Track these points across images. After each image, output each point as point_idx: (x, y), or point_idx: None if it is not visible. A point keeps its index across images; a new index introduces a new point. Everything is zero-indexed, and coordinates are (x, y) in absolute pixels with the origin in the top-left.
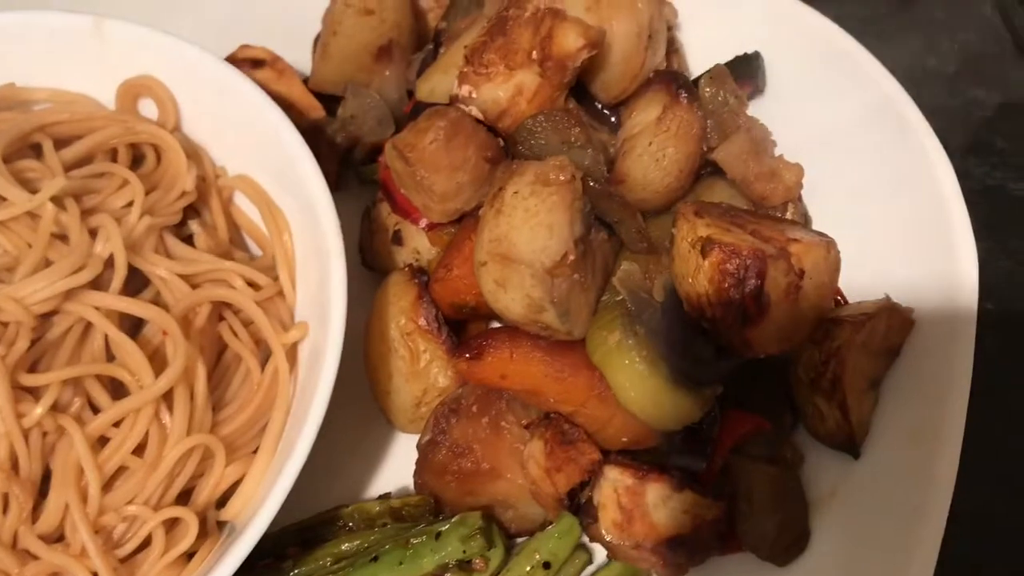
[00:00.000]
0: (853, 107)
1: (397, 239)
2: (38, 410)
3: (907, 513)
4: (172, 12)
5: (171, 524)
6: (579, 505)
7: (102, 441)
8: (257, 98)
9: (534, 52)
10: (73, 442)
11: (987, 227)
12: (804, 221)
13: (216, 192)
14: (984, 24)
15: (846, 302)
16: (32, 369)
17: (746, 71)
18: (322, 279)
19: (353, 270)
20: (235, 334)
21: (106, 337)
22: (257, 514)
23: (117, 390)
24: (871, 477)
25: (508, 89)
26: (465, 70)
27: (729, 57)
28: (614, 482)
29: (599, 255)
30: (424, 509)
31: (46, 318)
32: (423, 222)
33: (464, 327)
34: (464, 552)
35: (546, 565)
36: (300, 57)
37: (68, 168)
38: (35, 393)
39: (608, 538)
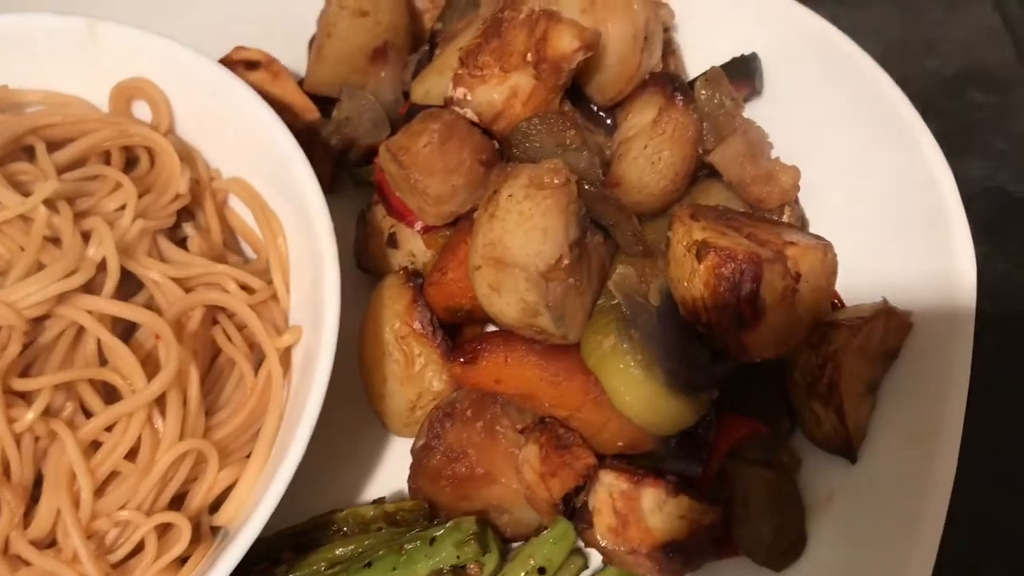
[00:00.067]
0: (851, 109)
1: (392, 242)
2: (30, 415)
3: (905, 517)
4: (167, 14)
5: (164, 529)
6: (574, 510)
7: (94, 446)
8: (251, 100)
9: (529, 54)
10: (65, 447)
11: (985, 229)
12: (801, 224)
13: (210, 195)
14: (984, 25)
15: (843, 305)
16: (24, 374)
17: (743, 73)
18: (316, 282)
19: (348, 273)
20: (229, 338)
21: (99, 341)
22: (250, 519)
23: (110, 394)
24: (868, 481)
25: (503, 91)
26: (460, 72)
27: (727, 59)
28: (609, 487)
29: (595, 258)
30: (418, 514)
31: (38, 322)
32: (418, 225)
33: (459, 330)
34: (458, 557)
35: (541, 570)
36: (295, 59)
37: (61, 171)
38: (27, 398)
39: (603, 543)
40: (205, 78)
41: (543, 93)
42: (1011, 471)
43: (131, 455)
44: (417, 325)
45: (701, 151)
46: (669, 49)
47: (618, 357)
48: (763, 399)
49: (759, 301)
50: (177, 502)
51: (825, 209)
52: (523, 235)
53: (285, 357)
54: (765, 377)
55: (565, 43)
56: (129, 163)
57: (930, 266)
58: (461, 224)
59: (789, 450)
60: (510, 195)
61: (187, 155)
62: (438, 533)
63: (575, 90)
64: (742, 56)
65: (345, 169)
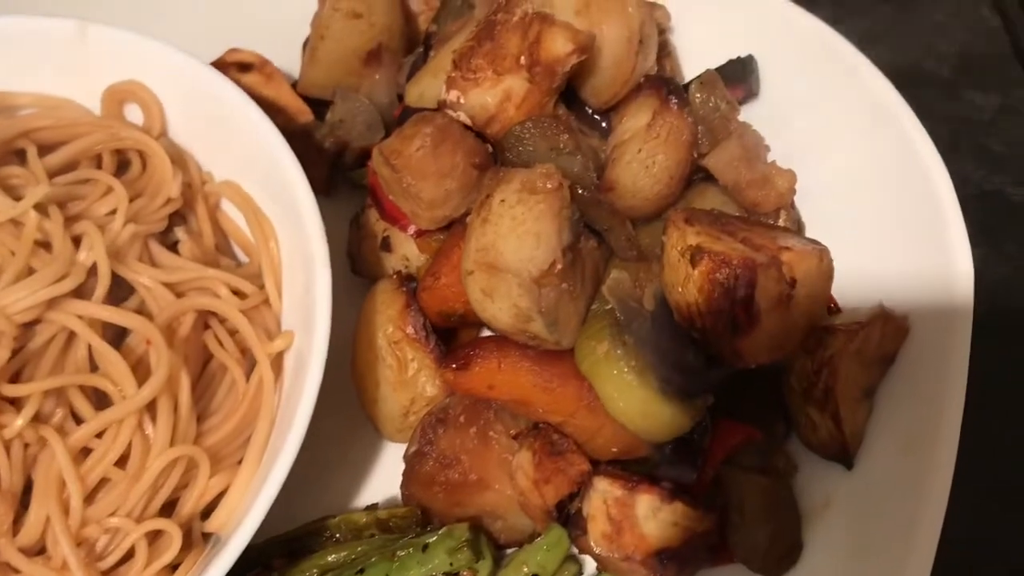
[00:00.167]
0: (848, 111)
1: (386, 245)
2: (19, 421)
3: (902, 524)
4: (160, 15)
5: (154, 536)
6: (568, 516)
7: (84, 452)
8: (243, 104)
9: (522, 57)
10: (55, 454)
11: (983, 232)
12: (797, 228)
13: (202, 198)
14: (983, 26)
15: (839, 310)
16: (14, 379)
17: (739, 75)
18: (308, 287)
19: (343, 277)
20: (220, 343)
21: (89, 347)
22: (241, 525)
23: (100, 400)
24: (865, 487)
25: (496, 94)
26: (453, 75)
27: (723, 60)
28: (603, 493)
29: (588, 263)
30: (411, 520)
31: (28, 327)
32: (411, 229)
33: (454, 335)
34: (451, 565)
35: None
36: (289, 61)
37: (52, 174)
38: (16, 404)
39: (597, 550)
40: (197, 81)
41: (537, 96)
42: (1010, 475)
43: (121, 461)
44: (410, 330)
45: (696, 155)
46: (665, 51)
47: (612, 363)
48: (759, 404)
49: (754, 307)
50: (168, 508)
51: (822, 212)
52: (516, 240)
53: (277, 362)
54: (761, 382)
55: (558, 46)
56: (121, 166)
57: (927, 270)
58: (455, 228)
59: (785, 456)
60: (503, 200)
61: (179, 158)
62: (431, 540)
63: (570, 93)
64: (738, 58)
65: (340, 172)
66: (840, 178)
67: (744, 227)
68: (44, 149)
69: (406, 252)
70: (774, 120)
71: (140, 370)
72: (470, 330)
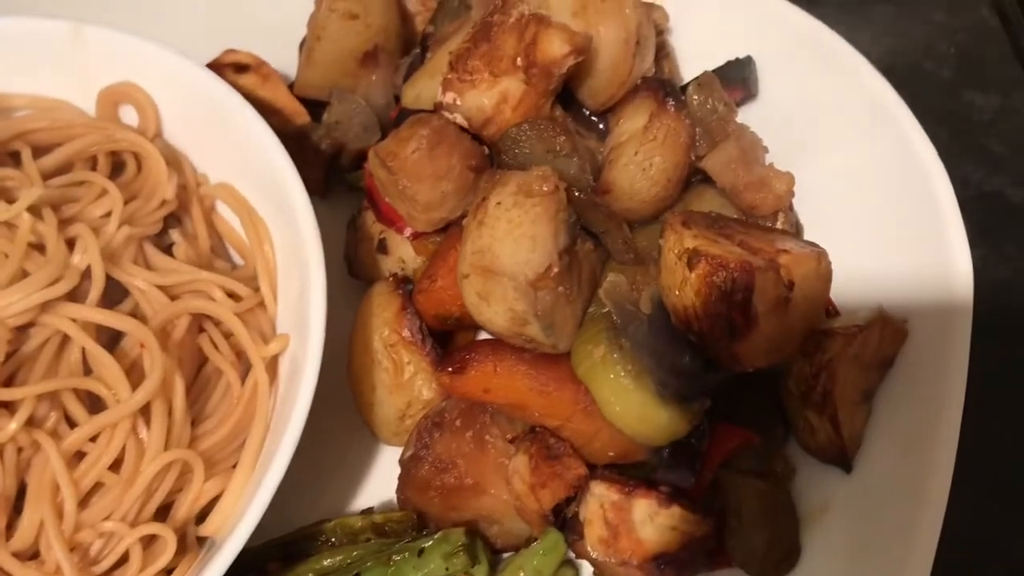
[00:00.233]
0: (847, 112)
1: (382, 248)
2: (13, 425)
3: (901, 528)
4: (156, 16)
5: (149, 541)
6: (565, 520)
7: (78, 456)
8: (238, 105)
9: (519, 59)
10: (49, 458)
11: (983, 233)
12: (795, 230)
13: (197, 200)
14: (982, 27)
15: (838, 313)
16: (7, 383)
17: (738, 76)
18: (303, 290)
19: (339, 279)
20: (215, 346)
21: (83, 350)
22: (236, 530)
23: (94, 404)
24: (864, 491)
25: (493, 96)
26: (449, 77)
27: (722, 61)
28: (600, 498)
29: (585, 266)
30: (407, 524)
31: (22, 331)
32: (408, 231)
33: (451, 337)
34: (447, 569)
35: None
36: (286, 61)
37: (47, 176)
38: (10, 407)
39: (594, 555)
40: (192, 82)
41: (533, 98)
42: (1009, 475)
43: (115, 466)
44: (406, 333)
45: (694, 157)
46: (663, 52)
47: (608, 367)
48: (756, 408)
49: (751, 310)
50: (163, 513)
51: (820, 215)
52: (512, 243)
53: (272, 365)
54: (759, 386)
55: (555, 48)
56: (116, 168)
57: (926, 272)
58: (451, 230)
59: (783, 459)
60: (499, 202)
61: (174, 160)
62: (427, 544)
63: (567, 94)
64: (737, 59)
65: (336, 174)
66: (839, 180)
67: (742, 230)
68: (39, 151)
69: (402, 254)
70: (773, 121)
71: (134, 373)
72: (467, 333)
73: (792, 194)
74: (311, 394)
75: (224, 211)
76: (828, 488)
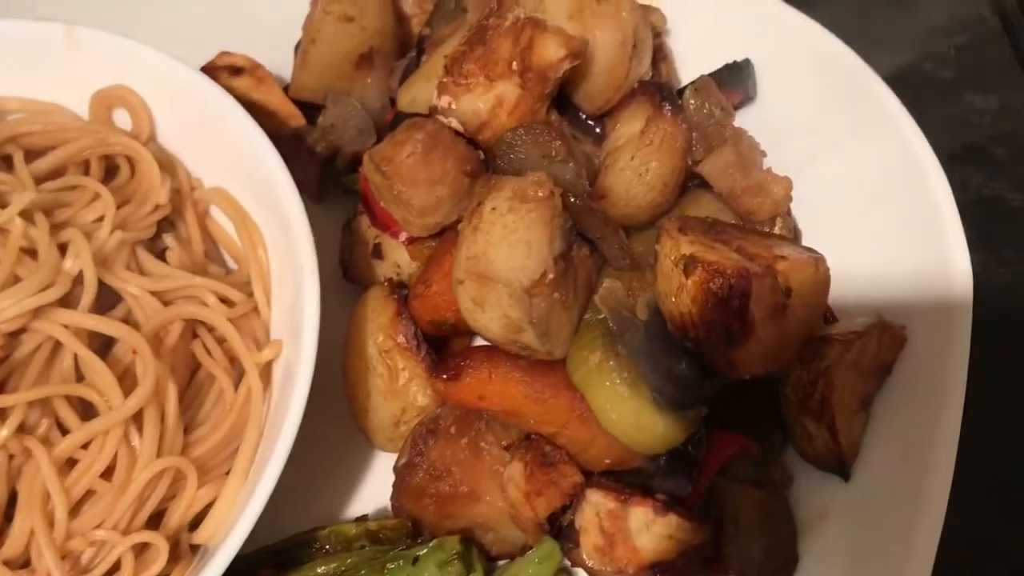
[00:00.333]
0: (846, 115)
1: (377, 252)
2: (4, 432)
3: (899, 536)
4: (151, 18)
5: (141, 549)
6: (561, 528)
7: (70, 463)
8: (232, 109)
9: (514, 63)
10: (40, 465)
11: (982, 238)
12: (793, 235)
13: (191, 205)
14: (983, 28)
15: (836, 319)
16: None
17: (736, 80)
18: (297, 295)
19: (335, 283)
20: (208, 352)
21: (75, 356)
22: (229, 537)
23: (86, 410)
24: (862, 498)
25: (488, 100)
26: (444, 80)
27: (720, 64)
28: (596, 506)
29: (581, 271)
30: (402, 532)
31: (14, 336)
32: (403, 235)
33: (446, 342)
34: None
35: None
36: (282, 64)
37: (39, 180)
38: (1, 414)
39: (590, 563)
40: (186, 86)
41: (529, 102)
42: (1009, 482)
43: (107, 473)
44: (401, 339)
45: (690, 161)
46: (661, 55)
47: (604, 374)
48: (754, 415)
49: (748, 317)
50: (155, 520)
51: (818, 220)
52: (507, 249)
53: (266, 371)
54: (756, 393)
55: (551, 52)
56: (109, 172)
57: (925, 277)
58: (446, 235)
59: (781, 466)
60: (493, 208)
61: (168, 164)
62: (421, 552)
63: (563, 98)
64: (735, 63)
65: (332, 177)
66: (837, 184)
67: (739, 235)
68: (31, 154)
69: (397, 259)
70: (771, 125)
71: (127, 380)
72: (462, 338)
73: (790, 199)
74: (304, 400)
75: (218, 215)
76: (826, 496)
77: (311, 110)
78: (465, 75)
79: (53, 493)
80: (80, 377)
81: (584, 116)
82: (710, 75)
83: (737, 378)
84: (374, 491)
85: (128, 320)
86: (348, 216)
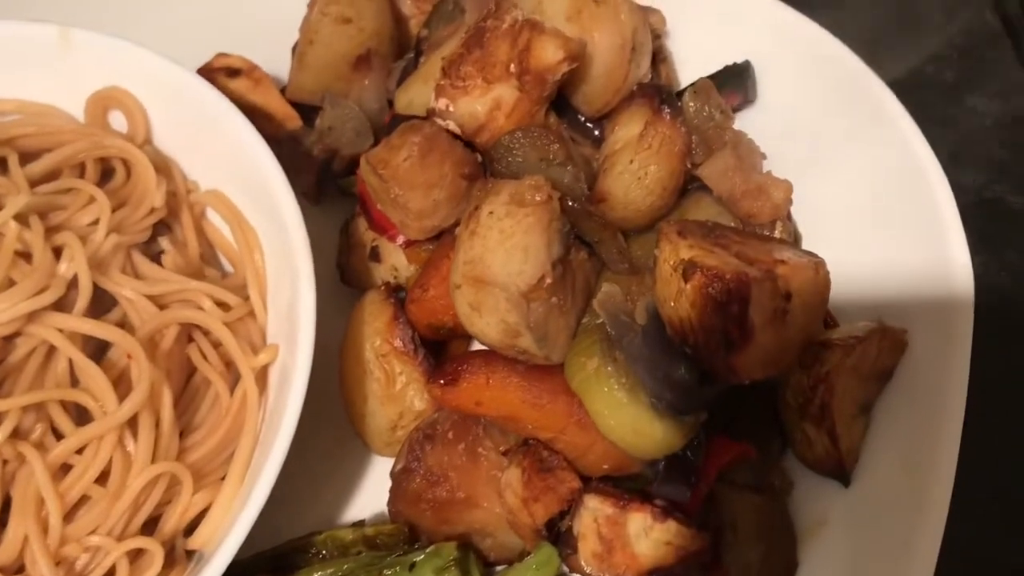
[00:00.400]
0: (847, 118)
1: (375, 255)
2: None
3: (900, 542)
4: (148, 19)
5: (136, 555)
6: (559, 534)
7: (64, 469)
8: (228, 111)
9: (512, 65)
10: (34, 471)
11: (984, 240)
12: (793, 239)
13: (187, 208)
14: (984, 30)
15: (836, 323)
16: None
17: (735, 82)
18: (293, 299)
19: (332, 287)
20: (204, 356)
21: (70, 361)
22: (225, 542)
23: (81, 415)
24: (863, 504)
25: (486, 103)
26: (442, 83)
27: (720, 65)
28: (594, 511)
29: (579, 275)
30: (399, 538)
31: (8, 340)
32: (400, 239)
33: (444, 346)
34: None
35: None
36: (279, 65)
37: (34, 183)
38: None
39: (588, 569)
40: (182, 88)
41: (527, 105)
42: (1010, 486)
43: (102, 479)
44: (398, 343)
45: (690, 165)
46: (660, 56)
47: (602, 380)
48: (753, 420)
49: (748, 322)
50: (150, 525)
51: (818, 223)
52: (504, 253)
53: (262, 376)
54: (755, 398)
55: (549, 54)
56: (105, 175)
57: (926, 280)
58: (444, 239)
59: (781, 472)
60: (491, 212)
61: (164, 167)
62: (418, 558)
63: (562, 100)
64: (734, 65)
65: (329, 179)
66: (837, 187)
67: (738, 239)
68: (26, 157)
69: (395, 262)
70: (771, 127)
71: (122, 384)
72: (460, 342)
73: (790, 202)
74: (300, 405)
75: (214, 218)
76: (826, 502)
77: (308, 112)
78: (463, 77)
79: (47, 499)
80: (75, 382)
81: (583, 118)
82: (710, 77)
83: (736, 383)
84: (371, 496)
85: (123, 324)
86: (345, 218)
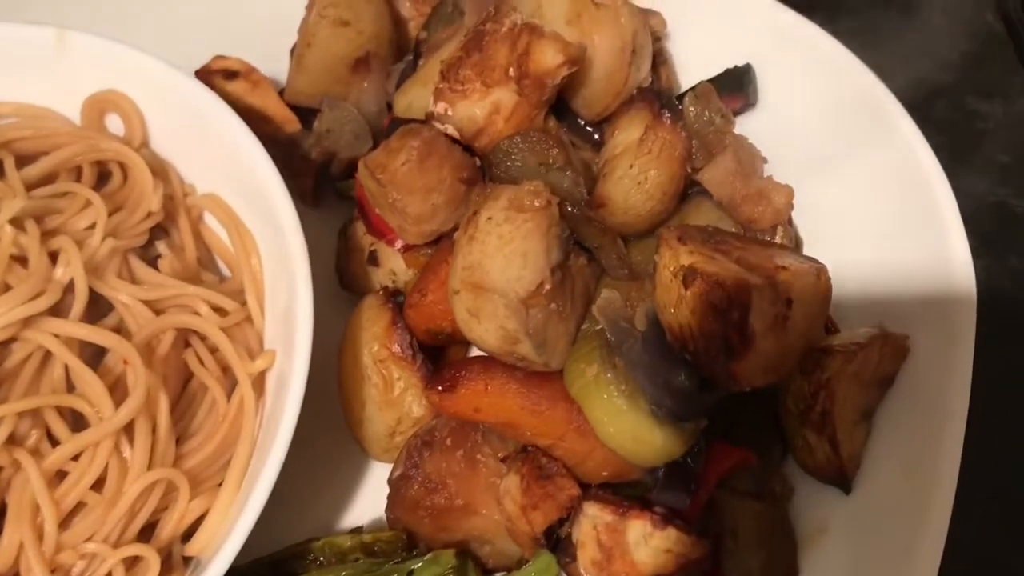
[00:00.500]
0: (848, 121)
1: (373, 260)
2: None
3: (901, 550)
4: (146, 21)
5: (132, 562)
6: (558, 541)
7: (60, 475)
8: (224, 115)
9: (511, 69)
10: (29, 477)
11: (986, 244)
12: (794, 244)
13: (184, 211)
14: (986, 32)
15: (837, 329)
16: None
17: (736, 85)
18: (290, 304)
19: (330, 291)
20: (201, 362)
21: (66, 366)
22: (222, 549)
23: (77, 421)
24: (864, 511)
25: (485, 107)
26: (441, 86)
27: (721, 68)
28: (593, 519)
29: (579, 281)
30: (397, 545)
31: (3, 346)
32: (399, 243)
33: (443, 351)
34: None
35: None
36: (277, 68)
37: (31, 186)
38: None
39: None
40: (178, 91)
41: (526, 109)
42: (1010, 490)
43: (98, 485)
44: (396, 348)
45: (690, 169)
46: (661, 59)
47: (602, 387)
48: (754, 427)
49: (748, 329)
50: (147, 532)
51: (820, 227)
52: (503, 259)
53: (259, 381)
54: (756, 404)
55: (548, 58)
56: (101, 178)
57: (928, 285)
58: (443, 243)
59: (781, 479)
60: (489, 217)
61: (161, 170)
62: (416, 566)
63: (561, 103)
64: (736, 67)
65: (328, 182)
66: (839, 191)
67: (739, 245)
68: (22, 160)
69: (393, 266)
70: (772, 131)
71: (118, 390)
72: (459, 348)
73: (791, 207)
74: (297, 411)
75: (212, 222)
76: (827, 509)
77: (307, 115)
78: (461, 81)
79: (43, 505)
80: (71, 387)
81: (582, 122)
82: (710, 80)
83: (737, 390)
84: (369, 502)
85: (119, 329)
86: (344, 222)
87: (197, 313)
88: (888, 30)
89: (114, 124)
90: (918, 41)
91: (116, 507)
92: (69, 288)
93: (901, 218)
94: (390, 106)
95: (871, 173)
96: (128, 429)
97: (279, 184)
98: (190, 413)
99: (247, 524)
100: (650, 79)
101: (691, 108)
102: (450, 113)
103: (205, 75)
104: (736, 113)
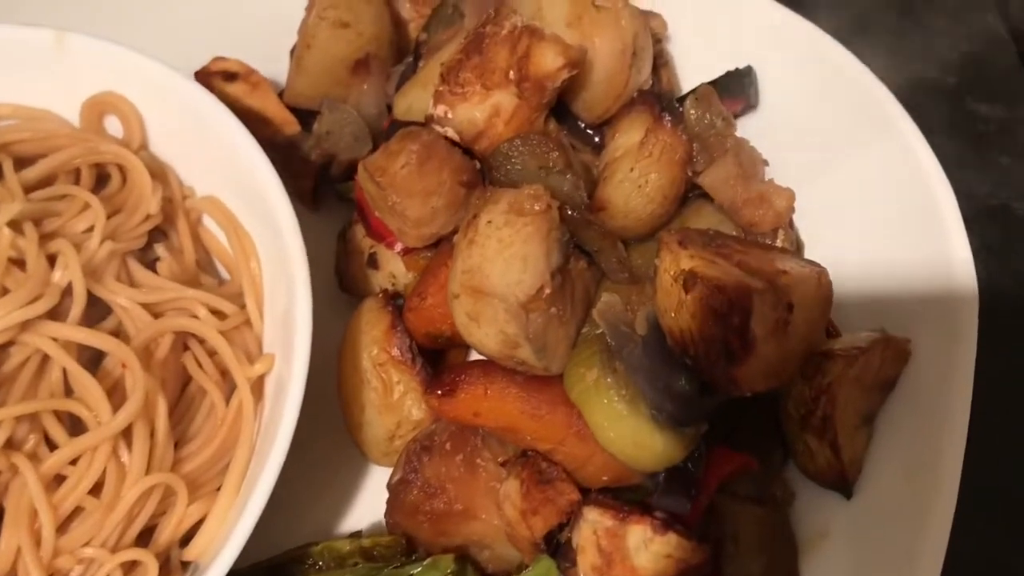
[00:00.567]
0: (850, 124)
1: (372, 262)
2: None
3: (903, 555)
4: (145, 22)
5: (130, 566)
6: (558, 546)
7: (58, 480)
8: (223, 117)
9: (511, 72)
10: (27, 482)
11: (988, 248)
12: (795, 247)
13: (183, 214)
14: (988, 33)
15: (839, 333)
16: None
17: (737, 87)
18: (289, 307)
19: (330, 294)
20: (200, 365)
21: (64, 370)
22: (220, 553)
23: (75, 425)
24: (865, 516)
25: (485, 110)
26: (440, 89)
27: (722, 70)
28: (593, 524)
29: (579, 284)
30: (396, 549)
31: (1, 349)
32: (398, 246)
33: (443, 355)
34: None
35: None
36: (277, 69)
37: (29, 189)
38: None
39: None
40: (177, 93)
41: (526, 112)
42: (1011, 493)
43: (96, 490)
44: (396, 352)
45: (691, 173)
46: (661, 61)
47: (602, 391)
48: (755, 431)
49: (749, 334)
50: (146, 536)
51: (821, 230)
52: (502, 263)
53: (258, 385)
54: (757, 409)
55: (548, 61)
56: (100, 180)
57: (930, 289)
58: (442, 246)
59: (783, 483)
60: (489, 221)
61: (160, 172)
62: (416, 570)
63: (561, 106)
64: (737, 69)
65: (327, 184)
66: (840, 194)
67: (740, 248)
68: (21, 162)
69: (393, 269)
70: (773, 133)
71: (116, 394)
72: (458, 351)
73: (792, 210)
74: (296, 415)
75: (211, 225)
76: (828, 513)
77: (306, 116)
78: (461, 84)
79: (40, 510)
80: (69, 391)
81: (583, 125)
82: (711, 82)
83: (738, 395)
84: (368, 507)
85: (118, 333)
86: (344, 224)
87: (196, 316)
88: (890, 32)
89: (113, 126)
90: (919, 43)
91: (114, 511)
92: (67, 291)
93: (903, 221)
94: (390, 108)
95: (873, 176)
96: (126, 433)
97: (278, 186)
98: (188, 417)
99: (246, 528)
100: (651, 82)
101: (692, 111)
102: (450, 116)
103: (204, 77)
104: (737, 115)
